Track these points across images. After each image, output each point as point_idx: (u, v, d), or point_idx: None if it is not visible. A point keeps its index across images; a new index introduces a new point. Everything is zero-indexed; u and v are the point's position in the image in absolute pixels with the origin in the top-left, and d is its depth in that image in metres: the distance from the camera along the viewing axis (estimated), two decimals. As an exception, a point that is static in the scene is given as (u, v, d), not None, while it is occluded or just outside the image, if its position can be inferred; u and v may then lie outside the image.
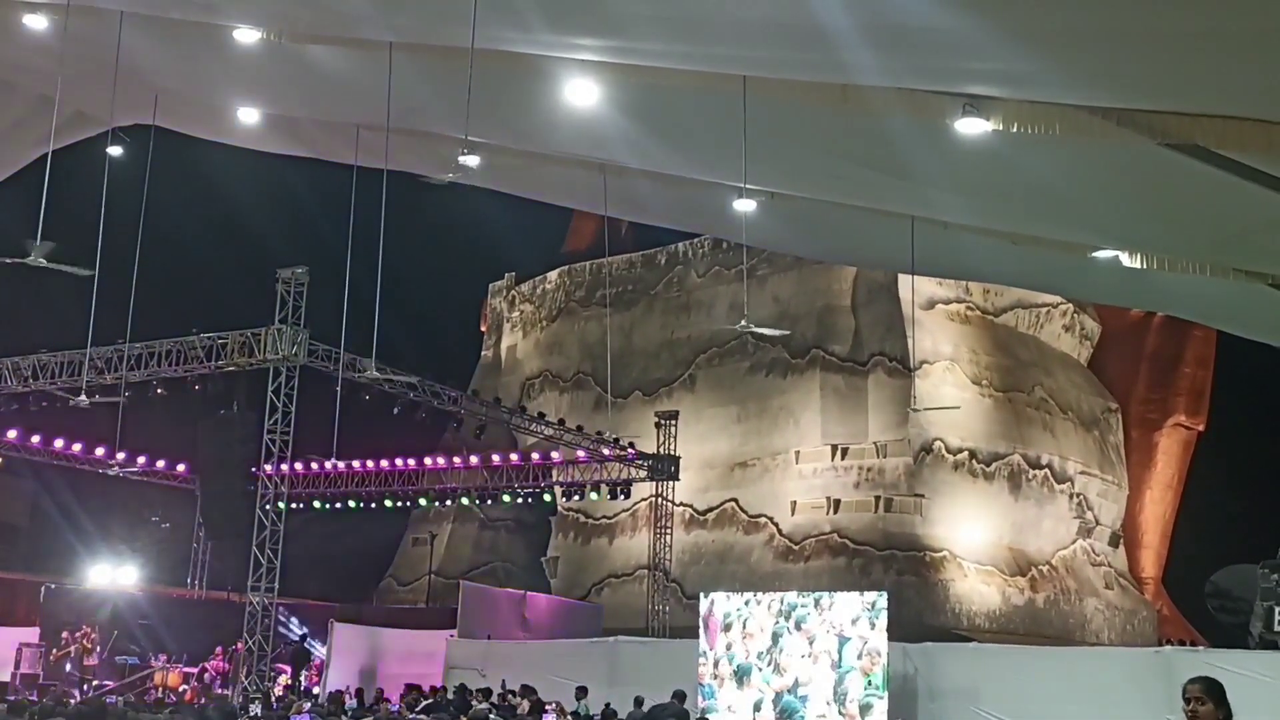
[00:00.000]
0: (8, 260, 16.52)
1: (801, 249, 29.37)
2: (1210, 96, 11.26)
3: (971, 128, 12.28)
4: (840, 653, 20.43)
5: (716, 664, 21.83)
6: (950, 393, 41.03)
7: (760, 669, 21.22)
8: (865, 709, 19.79)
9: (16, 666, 27.84)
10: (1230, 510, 39.29)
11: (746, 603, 22.20)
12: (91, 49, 16.13)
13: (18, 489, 43.70)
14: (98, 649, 28.94)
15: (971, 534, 41.14)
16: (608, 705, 20.50)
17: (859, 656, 20.30)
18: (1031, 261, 18.64)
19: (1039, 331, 46.66)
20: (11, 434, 33.62)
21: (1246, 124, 11.33)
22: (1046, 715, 18.21)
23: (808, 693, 20.53)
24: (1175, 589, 47.42)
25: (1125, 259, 16.33)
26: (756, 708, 21.00)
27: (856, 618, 20.53)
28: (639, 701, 20.03)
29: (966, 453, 41.54)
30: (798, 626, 21.05)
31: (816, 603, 21.35)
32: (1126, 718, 17.29)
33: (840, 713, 19.79)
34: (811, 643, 20.79)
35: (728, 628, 21.91)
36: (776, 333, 18.90)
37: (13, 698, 22.88)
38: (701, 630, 22.27)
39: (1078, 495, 44.55)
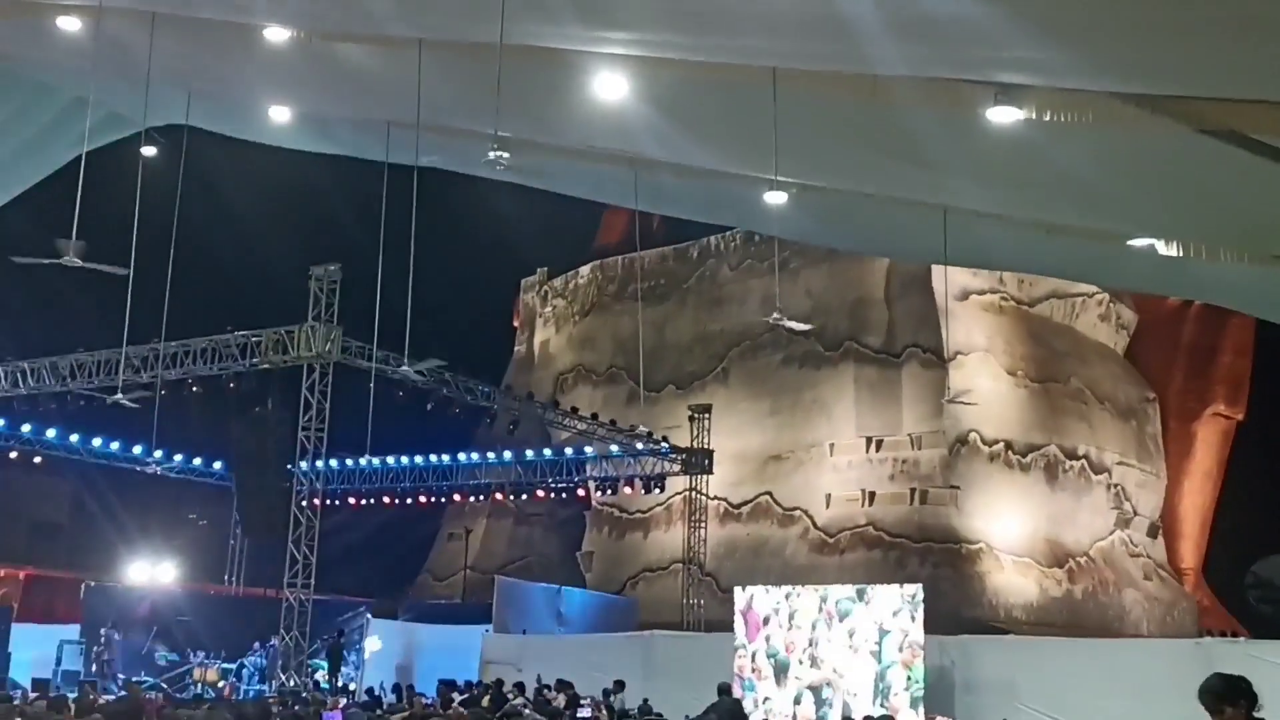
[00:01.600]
0: (46, 262, 16.67)
1: (834, 241, 29.26)
2: (1246, 82, 11.11)
3: (1003, 117, 12.16)
4: (881, 646, 20.34)
5: (754, 657, 21.78)
6: (985, 384, 40.80)
7: (801, 662, 21.15)
8: (913, 702, 19.72)
9: (58, 663, 28.10)
10: (1271, 500, 38.83)
11: (787, 596, 22.10)
12: (124, 50, 16.23)
13: (58, 488, 44.21)
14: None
15: (1008, 526, 40.89)
16: (645, 701, 20.49)
17: (900, 649, 20.22)
18: (1066, 251, 18.48)
19: (1074, 321, 46.29)
20: (50, 433, 33.98)
21: (1284, 109, 11.19)
22: (1085, 708, 18.06)
23: (848, 686, 20.46)
24: (1215, 580, 46.96)
25: (1161, 247, 16.14)
26: (796, 701, 20.95)
27: (897, 610, 20.45)
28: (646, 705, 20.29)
29: (1002, 444, 41.29)
30: (840, 619, 20.96)
31: (859, 595, 21.26)
32: (1166, 710, 17.06)
33: (883, 706, 19.69)
34: (852, 635, 20.71)
35: (767, 621, 21.85)
36: (803, 326, 18.83)
37: (54, 694, 23.09)
38: (740, 624, 22.22)
39: (1115, 486, 44.22)
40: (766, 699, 21.14)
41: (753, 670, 21.71)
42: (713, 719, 15.02)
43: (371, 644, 29.53)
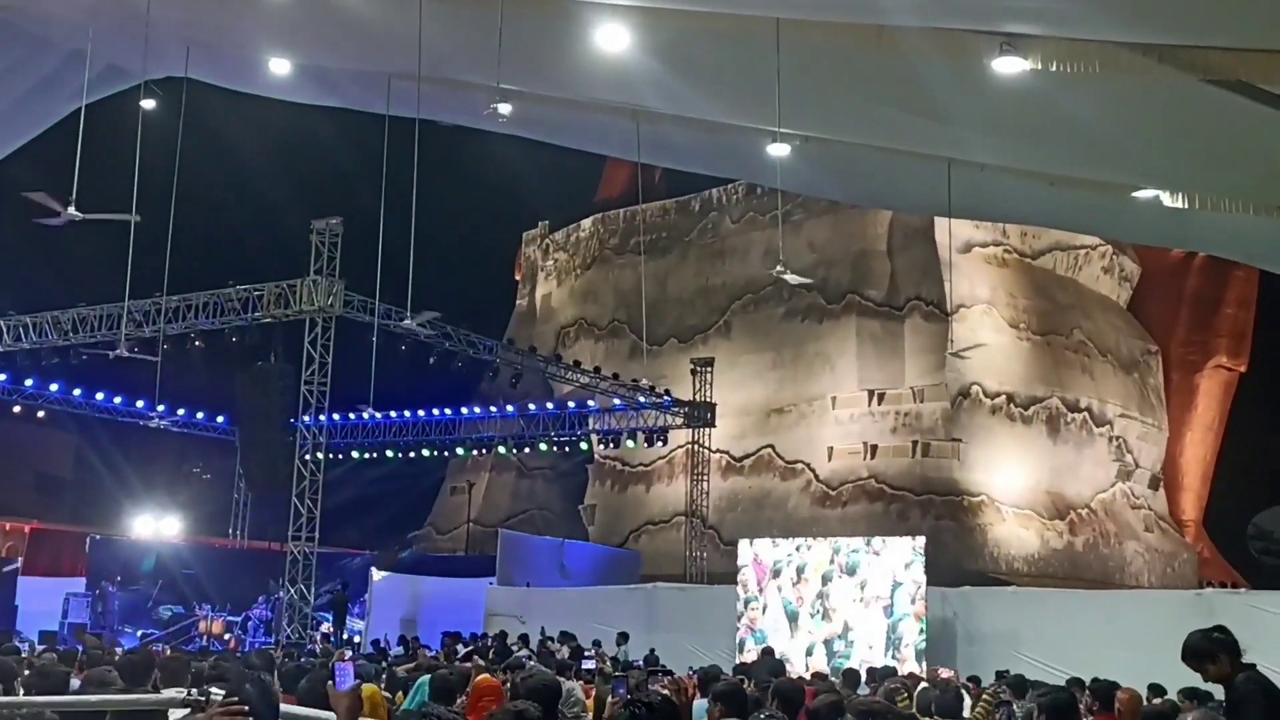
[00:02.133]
0: (53, 222, 16.59)
1: (837, 193, 29.11)
2: (1255, 31, 11.02)
3: (1009, 67, 12.07)
4: (893, 598, 20.46)
5: (765, 609, 21.87)
6: (988, 336, 40.81)
7: (812, 615, 21.27)
8: (920, 654, 19.87)
9: (65, 616, 28.31)
10: (1272, 452, 38.92)
11: (798, 548, 22.21)
12: (122, 2, 16.10)
13: (62, 442, 44.30)
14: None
15: (1009, 478, 41.00)
16: (652, 651, 20.61)
17: (912, 601, 20.35)
18: (1070, 203, 18.41)
19: (1077, 274, 46.21)
20: (54, 387, 34.00)
21: (1292, 58, 11.10)
22: (1087, 659, 18.10)
23: (858, 638, 20.60)
24: (1216, 531, 47.14)
25: (1166, 199, 16.08)
26: (808, 652, 21.05)
27: (910, 562, 20.57)
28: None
29: (1004, 397, 41.32)
30: (850, 572, 21.07)
31: (868, 544, 21.37)
32: (1168, 661, 17.18)
33: (894, 658, 19.83)
34: (863, 588, 20.82)
35: (777, 573, 21.93)
36: (803, 280, 18.81)
37: (62, 647, 23.25)
38: (752, 575, 22.30)
39: (1117, 438, 44.30)
40: (781, 652, 21.22)
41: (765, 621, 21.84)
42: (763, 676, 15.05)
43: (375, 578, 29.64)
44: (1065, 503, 42.22)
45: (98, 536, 31.99)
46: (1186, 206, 16.11)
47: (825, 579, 21.28)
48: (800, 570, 21.64)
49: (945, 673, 15.94)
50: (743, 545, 23.18)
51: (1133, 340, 46.98)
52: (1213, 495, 48.05)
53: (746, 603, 22.20)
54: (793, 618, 21.52)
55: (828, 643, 20.98)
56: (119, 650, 17.10)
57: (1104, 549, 42.71)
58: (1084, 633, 18.85)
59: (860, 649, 20.44)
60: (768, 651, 19.40)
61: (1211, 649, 6.36)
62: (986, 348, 40.04)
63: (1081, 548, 41.93)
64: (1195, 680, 7.04)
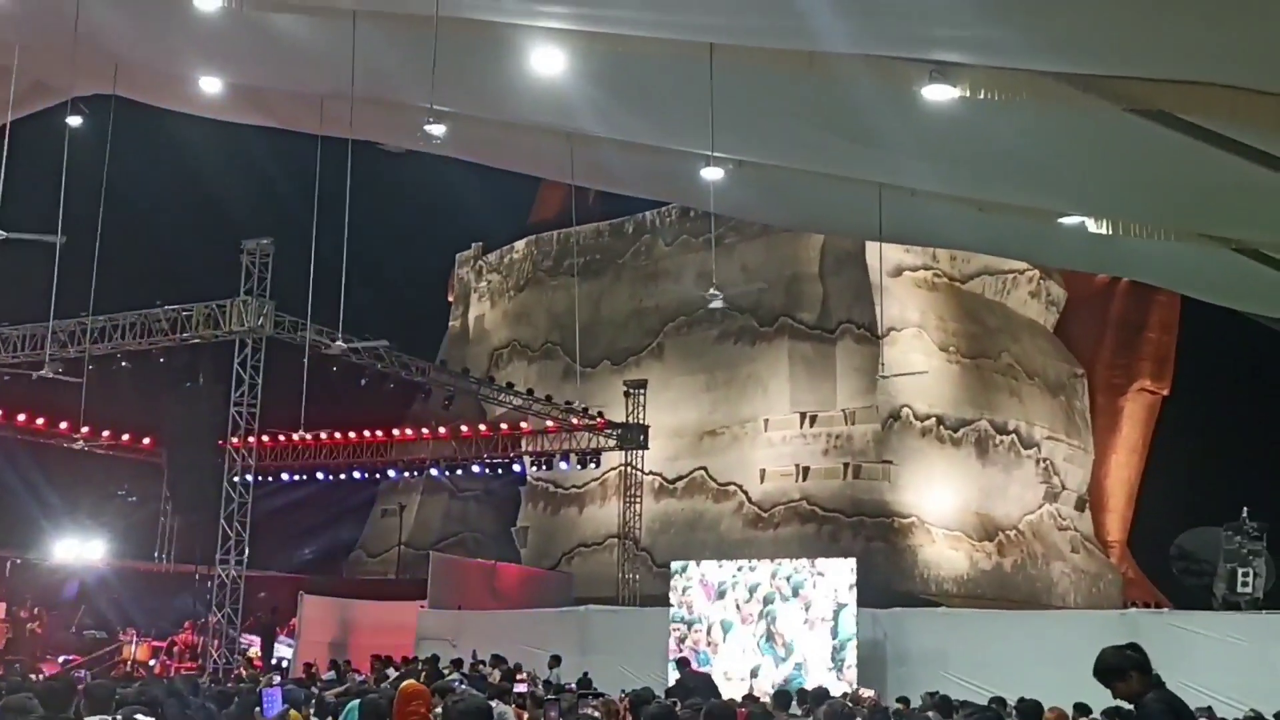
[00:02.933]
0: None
1: (769, 217, 29.36)
2: (1175, 63, 11.29)
3: (938, 94, 12.27)
4: (838, 619, 20.55)
5: (710, 630, 21.82)
6: (918, 359, 41.16)
7: (756, 636, 21.28)
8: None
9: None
10: (1194, 474, 39.63)
11: (740, 569, 22.23)
12: (50, 17, 15.90)
13: (-19, 464, 43.30)
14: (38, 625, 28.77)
15: (940, 500, 41.40)
16: (585, 674, 20.54)
17: (857, 623, 20.50)
18: (998, 228, 18.70)
19: (1006, 298, 46.87)
20: (-27, 408, 33.34)
21: (1211, 89, 11.37)
22: (1014, 678, 18.27)
23: (804, 659, 20.63)
24: (1140, 552, 47.87)
25: (1091, 224, 16.39)
26: (754, 674, 21.03)
27: (852, 584, 20.71)
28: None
29: (934, 419, 41.75)
30: (794, 593, 21.12)
31: (813, 565, 21.48)
32: (1093, 680, 17.47)
33: (838, 679, 19.89)
34: (808, 609, 20.89)
35: (722, 594, 21.92)
36: (719, 304, 18.98)
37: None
38: (698, 597, 22.23)
39: (1044, 460, 44.89)
40: (725, 673, 21.13)
41: (708, 644, 21.79)
42: (692, 696, 15.08)
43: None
44: (994, 524, 42.70)
45: (18, 560, 31.33)
46: (1110, 233, 16.42)
47: (768, 600, 21.33)
48: (752, 590, 21.62)
49: (866, 693, 16.08)
50: (690, 566, 23.14)
51: (1059, 364, 47.70)
52: (1137, 517, 48.82)
53: (690, 624, 22.10)
54: (735, 639, 21.53)
55: (778, 662, 20.94)
56: (37, 677, 16.77)
57: (1031, 570, 43.22)
58: (1011, 653, 19.06)
59: (812, 670, 20.44)
60: (684, 662, 19.47)
61: (1122, 665, 6.46)
62: (916, 369, 40.49)
63: (1009, 568, 42.39)
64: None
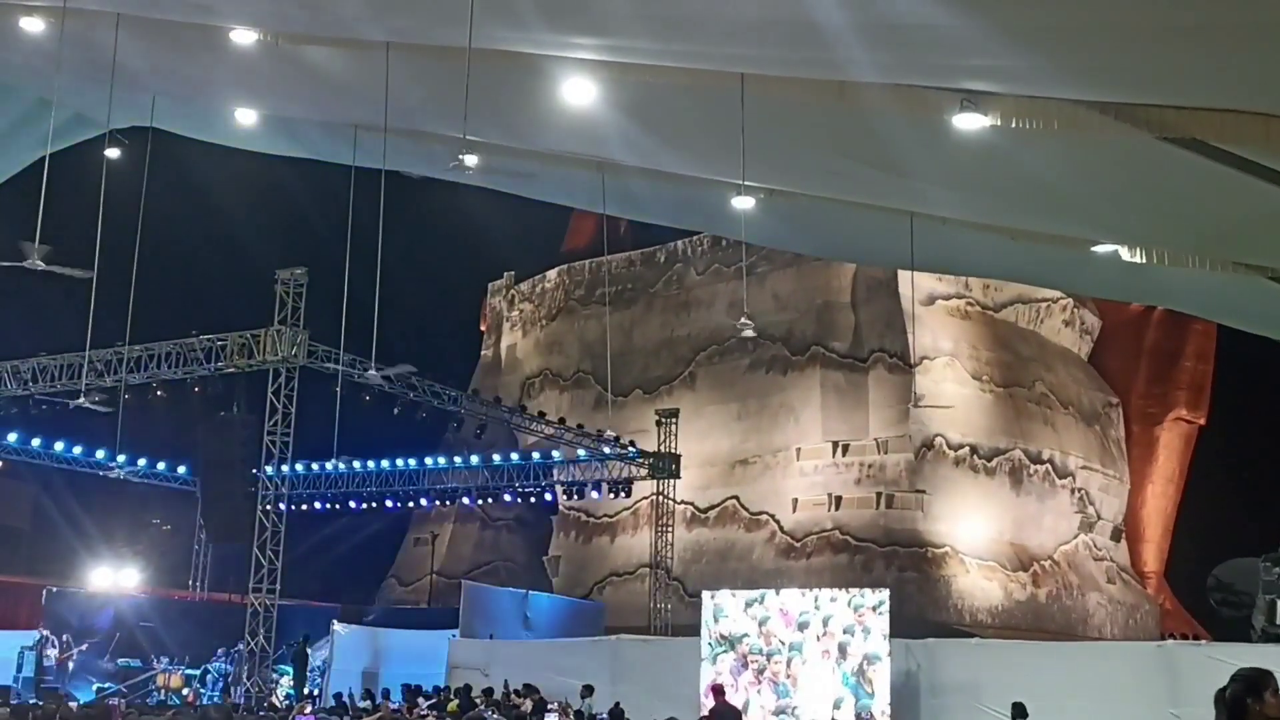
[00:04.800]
0: (6, 264, 16.51)
1: (801, 246, 29.35)
2: (1208, 90, 11.24)
3: (969, 123, 12.24)
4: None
5: (789, 664, 21.16)
6: (951, 388, 41.05)
7: (837, 668, 20.66)
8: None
9: (19, 670, 27.84)
10: (1232, 503, 39.26)
11: (817, 602, 21.46)
12: (88, 51, 16.11)
13: (19, 492, 43.77)
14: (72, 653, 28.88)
15: (973, 530, 41.12)
16: (617, 704, 20.41)
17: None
18: (1031, 257, 18.61)
19: (1039, 326, 46.63)
20: (12, 437, 33.66)
21: (1245, 117, 11.30)
22: (1050, 710, 18.16)
23: (878, 690, 20.19)
24: (1177, 583, 47.38)
25: (1125, 253, 16.29)
26: (836, 705, 20.57)
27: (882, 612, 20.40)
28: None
29: (968, 448, 41.51)
30: (859, 627, 20.60)
31: (874, 593, 20.97)
32: (1130, 712, 17.30)
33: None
34: (867, 637, 20.40)
35: (803, 626, 21.24)
36: (749, 332, 18.89)
37: (15, 701, 22.89)
38: (778, 626, 21.52)
39: (1079, 490, 44.54)
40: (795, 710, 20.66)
41: (788, 675, 20.92)
42: None
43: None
44: (1028, 554, 42.36)
45: (55, 588, 31.52)
46: (1145, 261, 16.32)
47: (847, 630, 20.70)
48: (826, 621, 20.98)
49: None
50: (769, 595, 22.30)
51: (1094, 393, 47.38)
52: (1174, 547, 48.32)
53: (769, 655, 21.33)
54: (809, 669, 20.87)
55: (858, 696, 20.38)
56: (74, 705, 16.86)
57: (1067, 600, 42.83)
58: (1046, 684, 18.83)
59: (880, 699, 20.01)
60: (718, 690, 19.20)
61: (1256, 688, 6.02)
62: (949, 399, 40.30)
63: (1044, 599, 42.02)
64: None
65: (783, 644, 21.10)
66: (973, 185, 15.40)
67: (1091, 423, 46.42)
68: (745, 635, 21.37)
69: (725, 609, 22.13)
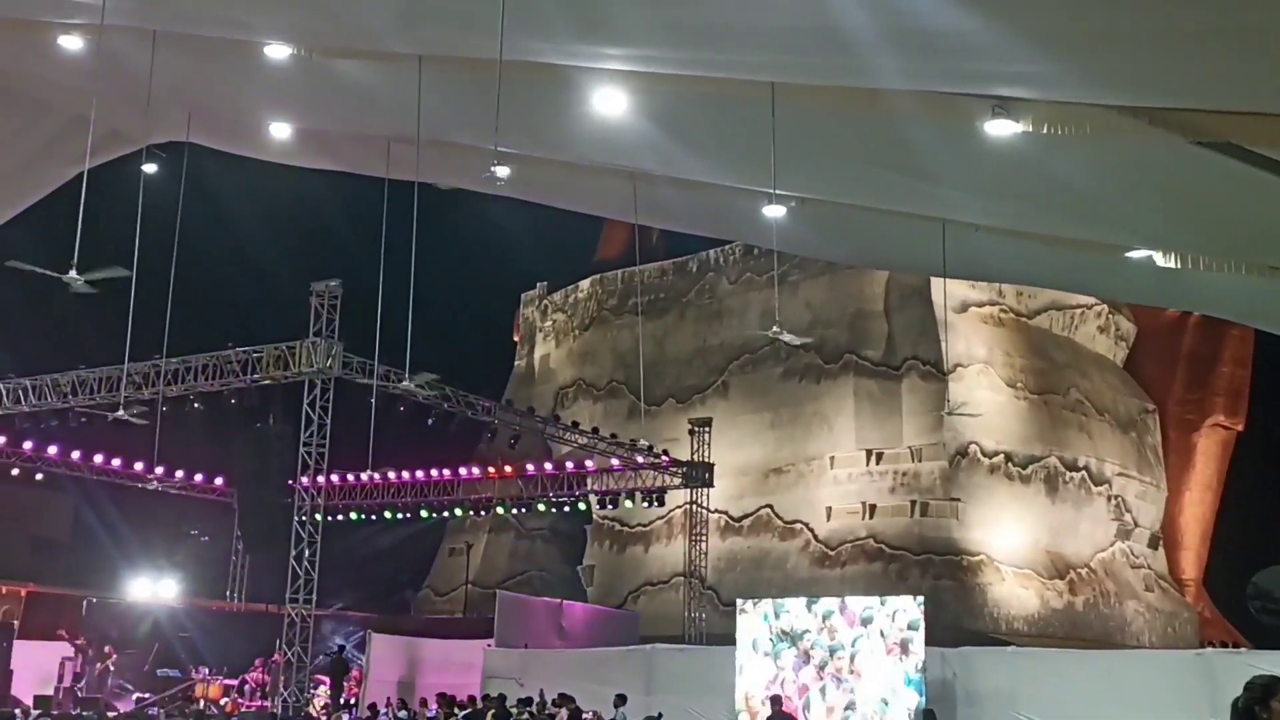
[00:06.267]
0: (41, 271, 16.67)
1: (833, 254, 29.33)
2: (1242, 94, 11.18)
3: (1001, 130, 12.23)
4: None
5: (853, 660, 20.91)
6: (985, 396, 40.85)
7: (903, 669, 20.56)
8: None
9: (60, 680, 28.07)
10: (1271, 511, 38.85)
11: (883, 601, 21.47)
12: (125, 68, 16.29)
13: (59, 504, 44.14)
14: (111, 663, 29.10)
15: (1008, 537, 40.88)
16: (659, 715, 20.33)
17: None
18: (1065, 263, 18.55)
19: (1073, 333, 46.35)
20: (52, 450, 34.01)
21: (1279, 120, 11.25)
22: (1087, 719, 18.08)
23: (889, 696, 20.12)
24: (1216, 591, 46.94)
25: (1159, 258, 16.21)
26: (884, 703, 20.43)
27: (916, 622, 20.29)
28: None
29: (1002, 456, 41.29)
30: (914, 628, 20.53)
31: (918, 602, 20.85)
32: (1167, 721, 17.16)
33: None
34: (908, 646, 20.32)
35: (867, 621, 21.02)
36: (799, 340, 18.82)
37: (56, 711, 23.10)
38: (840, 624, 21.40)
39: (1116, 497, 44.21)
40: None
41: (851, 671, 20.77)
42: None
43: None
44: (1064, 562, 42.07)
45: (94, 599, 31.79)
46: (1180, 266, 16.24)
47: (912, 626, 20.57)
48: (894, 616, 20.86)
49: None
50: (826, 599, 22.38)
51: (1130, 399, 47.03)
52: (1212, 554, 47.84)
53: (832, 651, 21.23)
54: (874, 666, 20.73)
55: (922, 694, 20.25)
56: (113, 715, 17.02)
57: (1104, 608, 42.50)
58: (1084, 693, 18.74)
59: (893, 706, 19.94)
60: (776, 700, 19.26)
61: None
62: (983, 406, 40.09)
63: (1081, 607, 41.72)
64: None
65: (845, 641, 20.98)
66: (1005, 192, 15.36)
67: (1128, 429, 46.08)
68: (807, 631, 21.33)
69: (786, 604, 22.12)
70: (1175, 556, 47.54)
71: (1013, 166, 13.60)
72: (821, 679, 20.98)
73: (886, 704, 20.01)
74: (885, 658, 20.43)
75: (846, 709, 20.44)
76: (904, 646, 20.24)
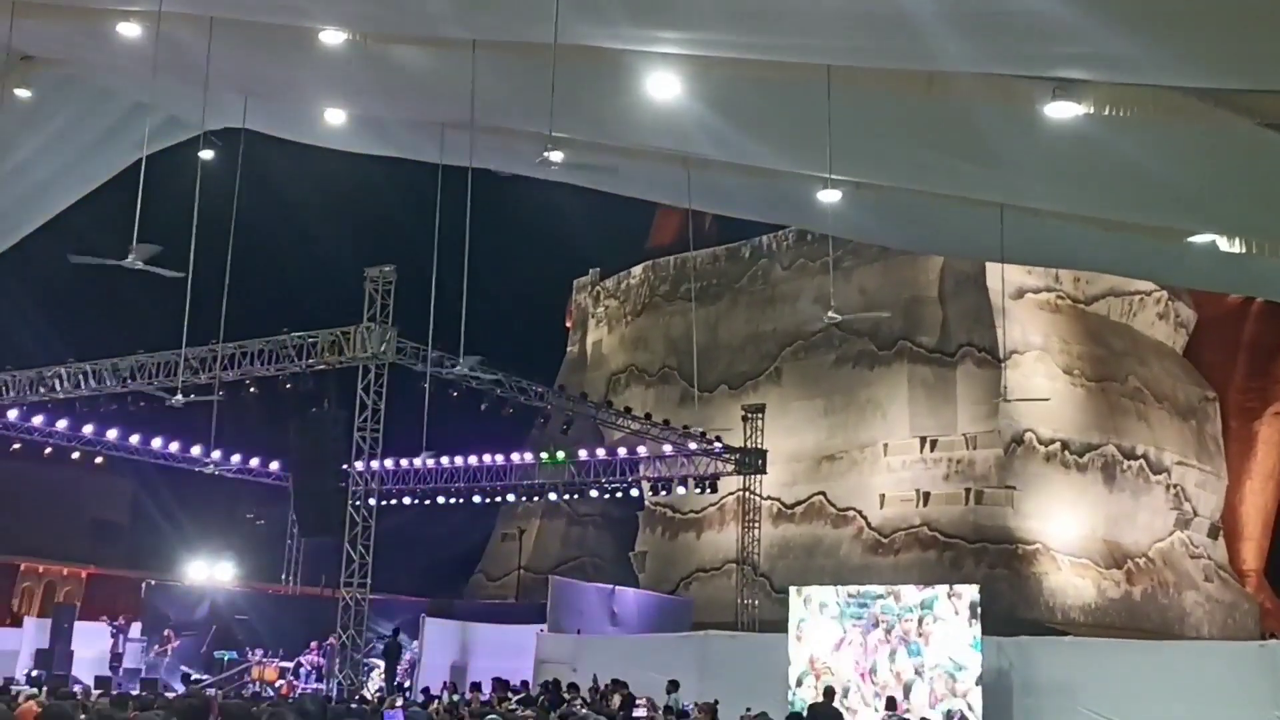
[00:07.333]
0: (96, 261, 16.83)
1: (888, 239, 29.11)
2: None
3: (1062, 112, 12.04)
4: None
5: (921, 621, 20.74)
6: (1041, 383, 40.41)
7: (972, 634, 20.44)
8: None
9: (119, 660, 28.49)
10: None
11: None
12: (183, 54, 16.43)
13: (119, 487, 44.85)
14: (171, 646, 29.49)
15: (1065, 526, 40.47)
16: (715, 702, 20.24)
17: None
18: (1125, 248, 18.27)
19: (1132, 320, 45.74)
20: (112, 434, 34.46)
21: (1350, 102, 11.01)
22: (1148, 712, 17.82)
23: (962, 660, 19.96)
24: (1278, 581, 46.27)
25: (1223, 243, 15.93)
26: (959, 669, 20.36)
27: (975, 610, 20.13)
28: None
29: (1059, 444, 40.86)
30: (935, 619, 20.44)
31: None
32: (1231, 714, 16.88)
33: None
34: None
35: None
36: (875, 314, 18.63)
37: (115, 691, 23.40)
38: (914, 590, 21.54)
39: (1175, 486, 43.64)
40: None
41: (919, 634, 20.62)
42: None
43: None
44: (1122, 551, 41.60)
45: (153, 582, 32.21)
46: (1244, 251, 15.95)
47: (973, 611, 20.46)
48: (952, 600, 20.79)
49: None
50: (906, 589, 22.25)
51: (1189, 387, 46.37)
52: (1274, 545, 47.13)
53: (900, 615, 21.08)
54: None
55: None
56: (171, 695, 17.21)
57: (1162, 599, 42.00)
58: (1144, 684, 18.46)
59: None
60: (829, 692, 19.21)
61: None
62: (1040, 393, 39.62)
63: (1139, 597, 41.24)
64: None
65: (914, 604, 20.92)
66: (1065, 175, 15.14)
67: (1187, 418, 45.45)
68: (880, 596, 21.33)
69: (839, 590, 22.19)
70: (1236, 546, 46.88)
71: (1073, 149, 13.39)
72: (889, 642, 20.89)
73: (962, 668, 19.85)
74: (954, 619, 20.31)
75: (915, 672, 20.37)
76: (972, 611, 20.13)
